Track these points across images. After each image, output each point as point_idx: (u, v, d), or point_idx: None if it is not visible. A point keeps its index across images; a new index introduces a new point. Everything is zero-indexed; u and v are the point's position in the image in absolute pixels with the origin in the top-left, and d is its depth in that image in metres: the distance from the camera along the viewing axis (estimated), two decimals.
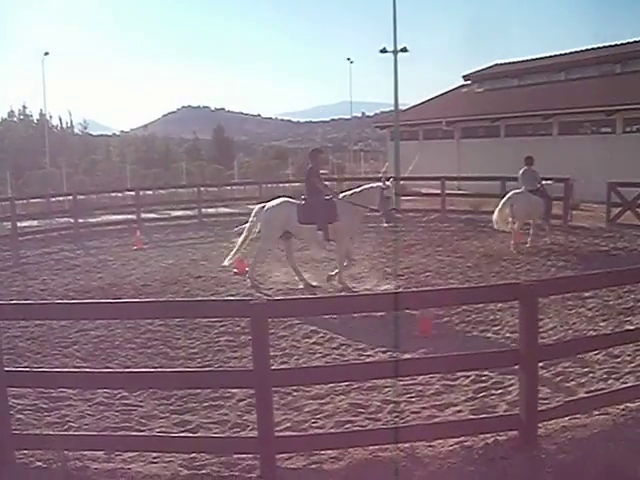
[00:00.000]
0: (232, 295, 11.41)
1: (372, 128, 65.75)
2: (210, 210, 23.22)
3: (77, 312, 5.94)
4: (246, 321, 7.39)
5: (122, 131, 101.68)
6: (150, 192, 27.59)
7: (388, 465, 5.04)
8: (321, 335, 8.93)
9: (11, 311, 5.79)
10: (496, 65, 38.41)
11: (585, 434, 5.38)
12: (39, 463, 5.22)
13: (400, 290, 10.65)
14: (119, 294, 11.65)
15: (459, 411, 6.27)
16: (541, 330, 7.73)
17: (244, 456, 5.25)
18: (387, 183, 11.59)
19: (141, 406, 6.62)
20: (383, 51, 31.49)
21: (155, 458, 5.37)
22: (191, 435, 5.84)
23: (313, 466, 5.15)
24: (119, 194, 28.04)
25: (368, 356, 8.04)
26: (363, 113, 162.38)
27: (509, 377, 6.80)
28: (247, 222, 12.38)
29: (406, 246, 15.80)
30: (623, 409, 5.82)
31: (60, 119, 59.18)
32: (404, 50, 31.36)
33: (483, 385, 6.87)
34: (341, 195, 11.94)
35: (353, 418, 6.19)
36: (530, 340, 5.22)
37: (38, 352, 8.48)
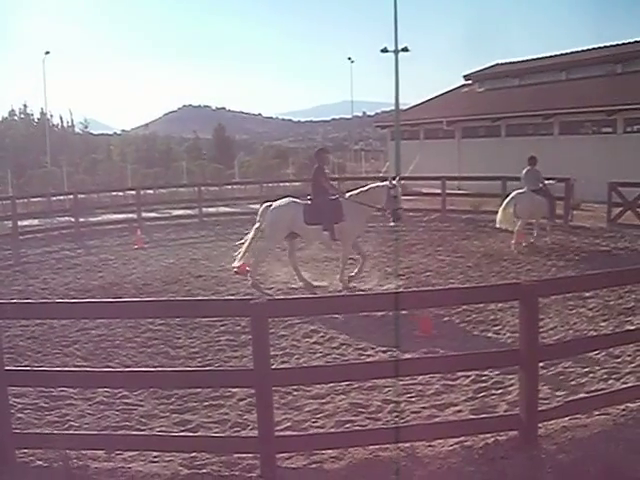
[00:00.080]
0: (232, 294, 11.42)
1: (373, 128, 65.77)
2: (211, 209, 23.21)
3: (78, 311, 5.95)
4: (246, 320, 7.39)
5: (123, 130, 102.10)
6: (151, 191, 27.60)
7: (388, 465, 5.04)
8: (321, 335, 8.93)
9: (12, 310, 5.79)
10: (497, 65, 38.39)
11: (585, 434, 5.38)
12: (40, 462, 5.22)
13: (401, 290, 10.65)
14: (120, 293, 11.66)
15: (459, 411, 6.28)
16: (541, 330, 7.74)
17: (244, 455, 5.26)
18: (393, 182, 11.57)
19: (141, 405, 6.63)
20: (384, 51, 31.61)
21: (155, 457, 5.37)
22: (191, 434, 5.84)
23: (313, 466, 5.16)
24: (120, 193, 28.06)
25: (368, 356, 8.04)
26: (364, 113, 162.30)
27: (509, 377, 6.81)
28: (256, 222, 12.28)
29: (407, 246, 15.81)
30: (623, 409, 5.82)
31: (61, 118, 59.27)
32: (405, 50, 31.49)
33: (483, 385, 6.88)
34: (347, 195, 11.91)
35: (353, 418, 6.20)
36: (530, 340, 5.22)
37: (39, 351, 8.49)
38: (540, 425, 5.36)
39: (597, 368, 7.18)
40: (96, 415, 6.38)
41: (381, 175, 26.91)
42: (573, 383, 6.86)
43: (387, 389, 6.80)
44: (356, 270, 11.86)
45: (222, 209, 23.71)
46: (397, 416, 6.19)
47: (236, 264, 12.20)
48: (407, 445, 5.24)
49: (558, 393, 6.53)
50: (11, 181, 30.73)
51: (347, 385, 6.86)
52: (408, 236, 17.12)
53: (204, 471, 5.13)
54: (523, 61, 35.99)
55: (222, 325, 9.35)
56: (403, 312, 8.35)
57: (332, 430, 5.89)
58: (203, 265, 14.40)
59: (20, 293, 12.01)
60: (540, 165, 15.55)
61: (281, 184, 29.83)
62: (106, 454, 5.41)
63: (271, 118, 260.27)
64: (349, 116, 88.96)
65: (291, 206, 11.83)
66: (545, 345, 6.61)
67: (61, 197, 25.95)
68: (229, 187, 31.70)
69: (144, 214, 21.54)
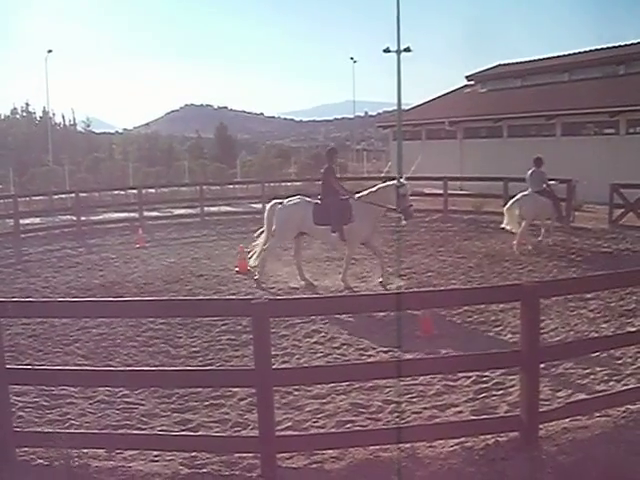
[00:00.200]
0: (234, 294, 11.41)
1: (375, 128, 65.86)
2: (212, 209, 23.20)
3: (79, 310, 5.95)
4: (248, 320, 7.39)
5: (125, 129, 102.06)
6: (152, 190, 27.63)
7: (389, 465, 5.04)
8: (322, 335, 8.93)
9: (13, 308, 5.79)
10: (499, 65, 38.38)
11: (586, 436, 5.37)
12: (40, 461, 5.22)
13: (402, 290, 10.65)
14: (121, 292, 11.66)
15: (460, 412, 6.27)
16: (543, 331, 7.74)
17: (245, 455, 5.26)
18: (402, 180, 11.54)
19: (142, 404, 6.63)
20: (386, 51, 31.59)
21: (156, 456, 5.37)
22: (192, 434, 5.84)
23: (314, 466, 5.16)
24: (122, 192, 28.10)
25: (369, 356, 8.04)
26: (366, 112, 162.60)
27: (510, 378, 6.80)
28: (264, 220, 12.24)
29: (409, 246, 15.80)
30: (624, 411, 5.82)
31: (63, 117, 59.49)
32: (407, 50, 31.48)
33: (484, 386, 6.87)
34: (357, 195, 11.88)
35: (354, 418, 6.20)
36: (531, 341, 5.22)
37: (40, 349, 8.49)
38: (541, 426, 5.35)
39: (598, 369, 7.17)
40: (97, 414, 6.38)
41: (383, 175, 26.95)
42: (574, 385, 6.85)
43: (388, 389, 6.80)
44: (380, 275, 11.70)
45: (224, 208, 23.72)
46: (398, 416, 6.19)
47: (252, 263, 12.17)
48: (408, 446, 5.24)
49: (559, 394, 6.53)
50: (13, 179, 30.78)
51: (348, 385, 6.86)
52: (410, 236, 17.11)
53: (204, 470, 5.13)
54: (526, 62, 35.99)
55: (223, 324, 9.35)
56: (405, 312, 8.36)
57: (333, 430, 5.89)
58: (204, 264, 14.40)
59: (21, 291, 12.02)
60: (542, 166, 15.55)
61: (283, 184, 29.86)
62: (107, 453, 5.41)
63: (273, 117, 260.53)
64: (351, 116, 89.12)
65: (301, 205, 11.80)
66: (546, 346, 6.60)
67: (63, 196, 25.98)
68: (231, 186, 31.78)
69: (146, 213, 21.56)
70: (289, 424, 6.05)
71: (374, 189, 11.84)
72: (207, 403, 6.63)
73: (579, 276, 10.84)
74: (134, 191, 24.27)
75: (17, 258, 15.82)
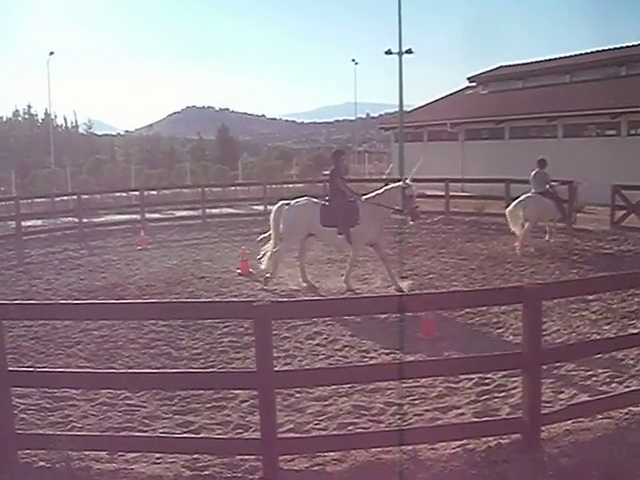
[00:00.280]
0: (236, 296, 11.41)
1: (376, 129, 65.94)
2: (214, 210, 23.24)
3: (81, 312, 5.95)
4: (249, 322, 7.39)
5: (127, 131, 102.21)
6: (154, 192, 27.69)
7: (391, 467, 5.04)
8: (324, 337, 8.93)
9: (15, 311, 5.79)
10: (501, 67, 38.42)
11: (588, 438, 5.37)
12: (42, 463, 5.23)
13: (404, 292, 10.65)
14: (123, 294, 11.67)
15: (462, 414, 6.27)
16: (544, 333, 7.74)
17: (247, 457, 5.26)
18: (408, 182, 11.52)
19: (144, 406, 6.63)
20: (388, 53, 31.61)
21: (158, 459, 5.38)
22: (194, 436, 5.84)
23: (316, 468, 5.16)
24: (123, 194, 28.14)
25: (371, 358, 8.04)
26: (368, 114, 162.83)
27: (512, 380, 6.80)
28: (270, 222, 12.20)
29: (410, 248, 15.80)
30: (626, 413, 5.82)
31: (65, 119, 59.55)
32: (409, 52, 31.48)
33: (486, 388, 6.87)
34: (364, 197, 11.82)
35: (356, 420, 6.19)
36: (533, 343, 5.22)
37: (42, 352, 8.50)
38: (543, 428, 5.35)
39: (600, 371, 7.16)
40: (99, 416, 6.38)
41: (385, 177, 26.95)
42: (576, 386, 6.84)
43: (390, 391, 6.80)
44: (394, 282, 11.50)
45: (225, 210, 23.76)
46: (400, 419, 6.19)
47: (264, 267, 12.12)
48: (410, 448, 5.24)
49: (561, 396, 6.52)
50: (15, 181, 30.80)
51: (350, 387, 6.85)
52: (411, 238, 17.10)
53: (206, 473, 5.14)
54: (527, 63, 36.01)
55: (225, 327, 9.35)
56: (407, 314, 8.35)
57: (335, 432, 5.89)
58: (206, 266, 14.40)
59: (23, 293, 12.03)
60: (546, 167, 15.55)
61: (284, 185, 29.87)
62: (109, 455, 5.41)
63: (275, 119, 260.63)
64: (353, 118, 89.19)
65: (309, 206, 11.79)
66: (548, 348, 6.60)
67: (65, 198, 26.03)
68: (232, 188, 31.80)
69: (147, 215, 21.58)
70: (291, 426, 6.05)
71: (380, 191, 11.80)
72: (209, 405, 6.63)
73: (581, 278, 10.82)
74: (136, 193, 24.27)
75: (19, 260, 15.84)
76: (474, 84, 38.55)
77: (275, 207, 12.25)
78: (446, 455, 5.21)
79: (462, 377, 7.02)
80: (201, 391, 6.73)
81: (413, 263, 13.93)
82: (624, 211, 17.56)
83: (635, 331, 8.57)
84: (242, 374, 6.29)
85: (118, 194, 28.44)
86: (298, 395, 6.78)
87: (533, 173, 15.54)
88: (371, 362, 7.79)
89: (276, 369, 5.41)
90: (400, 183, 11.60)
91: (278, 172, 41.22)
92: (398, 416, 6.25)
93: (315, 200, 11.98)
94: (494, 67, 38.88)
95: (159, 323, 9.40)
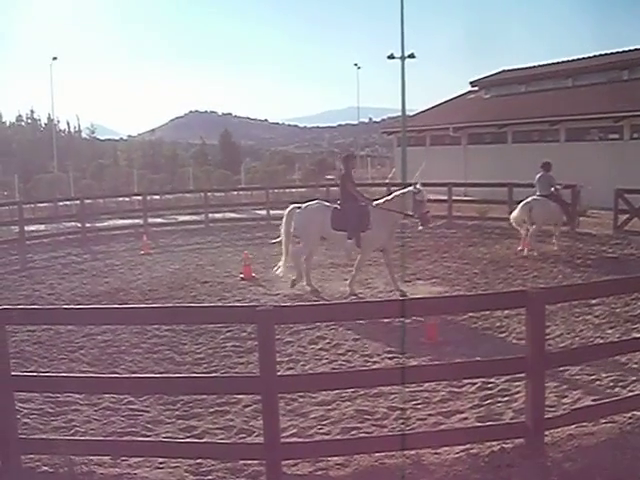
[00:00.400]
0: (239, 301, 11.42)
1: (379, 134, 65.96)
2: (217, 215, 23.24)
3: (84, 317, 5.96)
4: (252, 327, 7.39)
5: (129, 136, 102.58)
6: (157, 197, 27.69)
7: (394, 472, 5.03)
8: (327, 341, 8.93)
9: (18, 315, 5.80)
10: (503, 71, 38.43)
11: (592, 442, 5.36)
12: (45, 468, 5.23)
13: (407, 297, 10.63)
14: (126, 299, 11.68)
15: (465, 418, 6.26)
16: (548, 337, 7.71)
17: (250, 462, 5.26)
18: (418, 187, 11.48)
19: (147, 411, 6.63)
20: (390, 57, 31.69)
21: (161, 463, 5.38)
22: (197, 441, 5.84)
23: (319, 472, 5.15)
24: (126, 199, 28.13)
25: (374, 362, 8.03)
26: (370, 119, 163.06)
27: (515, 384, 6.79)
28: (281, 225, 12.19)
29: (413, 252, 15.79)
30: (630, 417, 5.80)
31: (68, 123, 59.72)
32: (411, 56, 31.55)
33: (489, 392, 6.86)
34: (374, 203, 11.77)
35: (359, 425, 6.19)
36: (537, 347, 5.21)
37: (45, 356, 8.50)
38: (546, 433, 5.33)
39: (603, 375, 7.15)
40: (102, 421, 6.39)
41: (387, 181, 26.92)
42: (580, 390, 6.83)
43: (393, 396, 6.79)
44: (396, 288, 11.48)
45: (228, 215, 23.76)
46: (403, 423, 6.18)
47: (279, 272, 12.08)
48: (413, 452, 5.23)
49: (564, 400, 6.52)
50: (18, 186, 30.83)
51: (353, 392, 6.85)
52: (414, 242, 17.11)
53: (209, 477, 5.14)
54: (529, 68, 36.01)
55: (228, 331, 9.35)
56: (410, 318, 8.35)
57: (338, 437, 5.88)
58: (209, 271, 14.41)
59: (26, 298, 12.04)
60: (551, 170, 15.54)
61: (287, 190, 29.89)
62: (112, 460, 5.41)
63: (277, 124, 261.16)
64: (355, 122, 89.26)
65: (320, 209, 11.80)
66: (552, 352, 6.59)
67: (68, 202, 26.06)
68: (235, 193, 31.89)
69: (150, 220, 21.58)
70: (294, 431, 6.05)
71: (390, 197, 11.78)
72: (212, 410, 6.63)
73: (584, 282, 10.81)
74: (139, 198, 24.29)
75: (22, 265, 15.85)
76: (476, 88, 38.55)
77: (287, 210, 12.22)
78: (449, 460, 5.20)
79: (465, 381, 7.02)
80: (204, 396, 6.72)
81: (416, 267, 13.92)
82: (627, 215, 17.53)
83: (639, 335, 8.54)
84: (245, 379, 6.28)
85: (121, 199, 28.43)
86: (301, 400, 6.78)
87: (538, 176, 15.53)
88: (374, 366, 7.79)
89: (279, 374, 5.40)
90: (411, 188, 11.55)
91: (281, 177, 41.25)
92: (401, 420, 6.24)
93: (326, 203, 12.00)
94: (497, 71, 38.90)
95: (162, 328, 9.40)
